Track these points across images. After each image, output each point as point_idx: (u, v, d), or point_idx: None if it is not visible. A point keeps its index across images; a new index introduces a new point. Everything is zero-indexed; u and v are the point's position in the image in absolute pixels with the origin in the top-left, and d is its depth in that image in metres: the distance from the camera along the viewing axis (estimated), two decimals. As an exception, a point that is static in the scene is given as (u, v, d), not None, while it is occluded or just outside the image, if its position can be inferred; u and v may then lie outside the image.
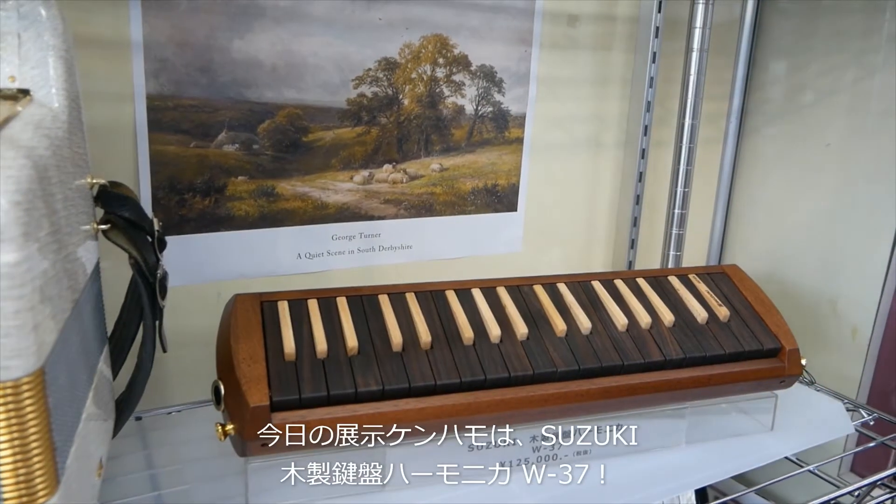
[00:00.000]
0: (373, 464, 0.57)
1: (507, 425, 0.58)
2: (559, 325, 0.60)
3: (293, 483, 0.56)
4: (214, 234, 0.71)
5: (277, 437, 0.51)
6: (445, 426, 0.56)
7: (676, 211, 0.86)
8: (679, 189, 0.84)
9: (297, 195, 0.74)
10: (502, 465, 0.60)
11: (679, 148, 0.84)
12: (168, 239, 0.69)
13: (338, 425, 0.52)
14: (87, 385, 0.44)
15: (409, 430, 0.55)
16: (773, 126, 0.92)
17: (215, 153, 0.69)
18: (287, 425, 0.51)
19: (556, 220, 0.89)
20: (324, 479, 0.56)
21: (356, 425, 0.53)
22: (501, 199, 0.85)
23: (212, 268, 0.72)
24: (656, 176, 0.91)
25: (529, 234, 0.86)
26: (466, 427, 0.57)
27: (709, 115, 0.92)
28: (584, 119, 0.87)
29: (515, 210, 0.86)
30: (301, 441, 0.52)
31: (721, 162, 0.94)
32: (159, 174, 0.67)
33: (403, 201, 0.80)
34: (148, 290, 0.52)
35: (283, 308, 0.58)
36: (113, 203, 0.50)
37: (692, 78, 0.83)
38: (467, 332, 0.58)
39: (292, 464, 0.55)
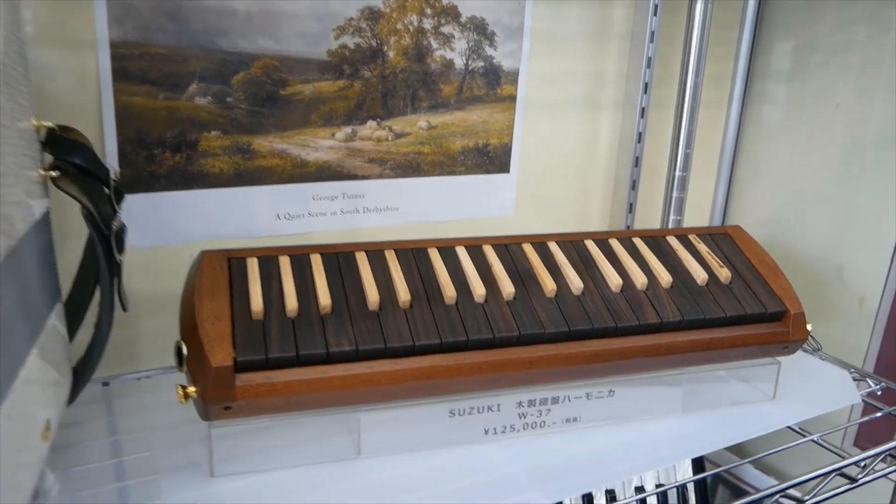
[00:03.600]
0: (347, 429, 0.53)
1: (491, 390, 0.55)
2: (548, 285, 0.57)
3: (261, 450, 0.52)
4: (187, 192, 0.68)
5: (242, 399, 0.48)
6: (424, 390, 0.52)
7: (677, 173, 0.82)
8: (680, 150, 0.80)
9: (274, 152, 0.70)
10: (486, 432, 0.56)
11: (681, 107, 0.80)
12: (137, 197, 0.66)
13: (307, 388, 0.49)
14: (29, 341, 0.41)
15: (385, 393, 0.51)
16: (780, 86, 0.88)
17: (186, 106, 0.65)
18: (252, 388, 0.48)
19: (551, 182, 0.85)
20: (294, 445, 0.53)
21: (328, 388, 0.49)
22: (493, 159, 0.81)
23: (185, 228, 0.68)
24: (656, 138, 0.87)
25: (522, 196, 0.83)
26: (447, 391, 0.53)
27: (713, 78, 0.87)
28: (581, 76, 0.83)
29: (508, 171, 0.82)
30: (267, 405, 0.49)
31: (725, 124, 0.89)
32: (126, 127, 0.64)
33: (389, 160, 0.76)
34: (103, 243, 0.48)
35: (253, 265, 0.54)
36: (62, 149, 0.46)
37: (696, 32, 0.78)
38: (449, 291, 0.54)
39: (259, 430, 0.52)
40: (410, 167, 0.77)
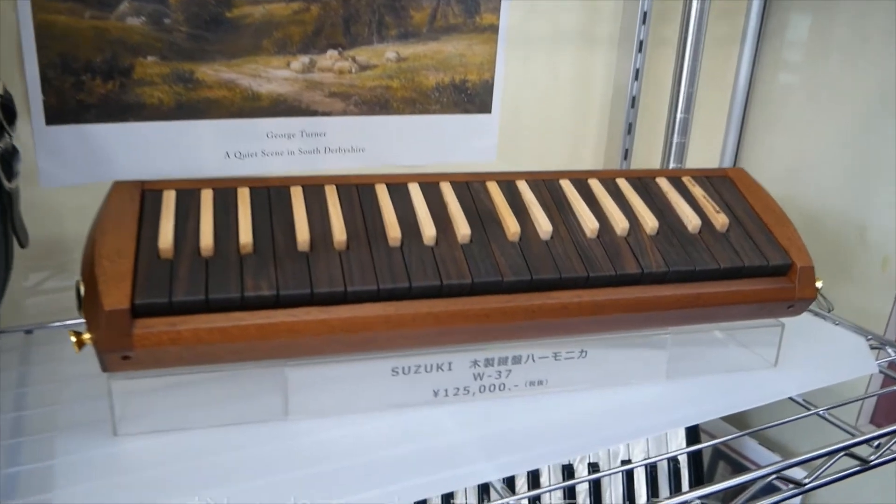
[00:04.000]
0: (273, 388, 0.46)
1: (440, 346, 0.48)
2: (511, 228, 0.49)
3: (174, 408, 0.46)
4: (122, 124, 0.61)
5: (141, 349, 0.41)
6: (360, 344, 0.45)
7: (679, 115, 0.73)
8: (682, 88, 0.72)
9: (221, 82, 0.63)
10: (436, 394, 0.49)
11: (684, 38, 0.72)
12: (65, 128, 0.59)
13: (218, 337, 0.42)
14: None
15: (313, 347, 0.44)
16: (802, 19, 0.79)
17: (116, 27, 0.58)
18: (152, 335, 0.41)
19: (537, 125, 0.77)
20: (212, 404, 0.46)
21: (243, 338, 0.42)
22: (472, 97, 0.73)
23: (121, 165, 0.62)
24: (656, 79, 0.78)
25: (505, 140, 0.74)
26: (387, 346, 0.46)
27: (725, 11, 0.79)
28: (573, 6, 0.74)
29: (489, 112, 0.74)
30: (172, 356, 0.42)
31: (738, 63, 0.80)
32: (48, 50, 0.56)
33: (353, 95, 0.68)
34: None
35: (169, 198, 0.47)
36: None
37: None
38: (394, 232, 0.47)
39: (173, 386, 0.45)
40: (378, 104, 0.69)
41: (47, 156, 0.59)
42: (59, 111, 0.58)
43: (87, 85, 0.58)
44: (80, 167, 0.60)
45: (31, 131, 0.58)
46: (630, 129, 0.75)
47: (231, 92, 0.63)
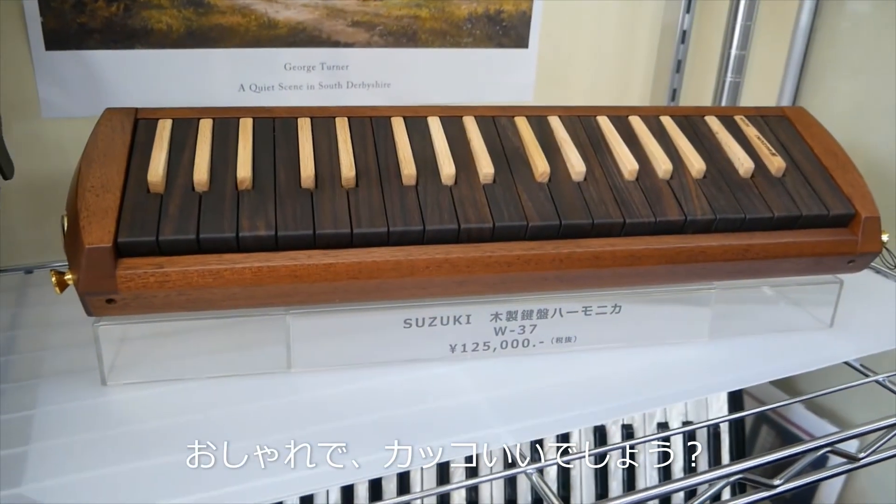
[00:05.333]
0: (276, 338, 0.43)
1: (457, 296, 0.43)
2: (540, 167, 0.44)
3: (169, 357, 0.42)
4: (128, 51, 0.57)
5: (125, 291, 0.37)
6: (367, 292, 0.41)
7: (734, 52, 0.67)
8: (739, 21, 0.65)
9: (235, 7, 0.58)
10: (452, 349, 0.45)
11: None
12: (66, 54, 0.56)
13: (210, 281, 0.38)
14: None
15: (316, 294, 0.40)
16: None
17: (120, -58, 0.54)
18: (138, 277, 0.37)
19: (579, 61, 0.71)
20: (210, 354, 0.43)
21: (238, 283, 0.38)
22: (507, 30, 0.67)
23: (126, 94, 0.58)
24: (710, 11, 0.71)
25: (543, 78, 0.69)
26: (399, 295, 0.42)
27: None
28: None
29: (526, 47, 0.68)
30: (160, 300, 0.38)
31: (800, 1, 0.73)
32: (46, -34, 0.53)
33: (378, 25, 0.63)
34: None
35: (164, 127, 0.43)
36: None
37: None
38: (408, 169, 0.42)
39: (169, 334, 0.42)
40: (405, 35, 0.64)
41: (48, 84, 0.55)
42: (60, 35, 0.55)
43: (89, 6, 0.55)
44: (84, 97, 0.57)
45: (30, 56, 0.54)
46: (679, 66, 0.69)
47: (245, 18, 0.59)
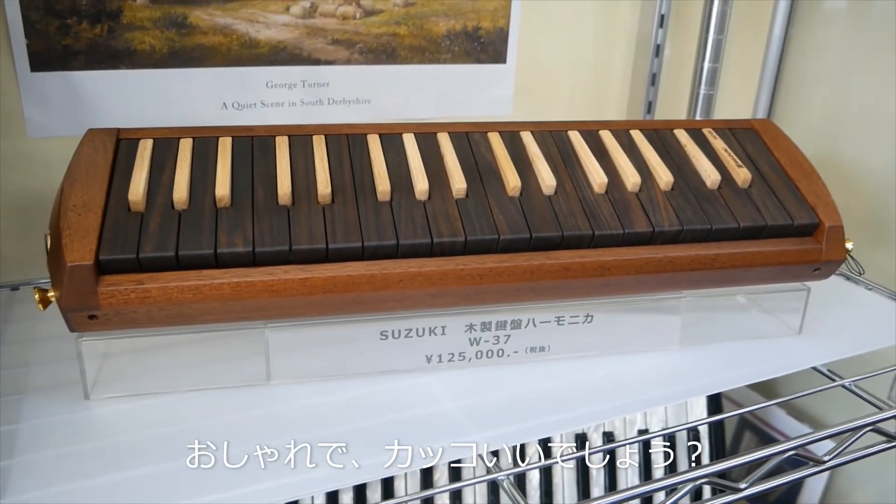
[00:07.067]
0: (255, 350, 0.44)
1: (432, 308, 0.44)
2: (511, 182, 0.45)
3: (150, 371, 0.43)
4: (112, 71, 0.58)
5: (107, 308, 0.38)
6: (344, 305, 0.42)
7: (706, 65, 0.68)
8: (711, 35, 0.67)
9: (216, 28, 0.60)
10: (428, 359, 0.46)
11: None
12: (51, 75, 0.57)
13: (189, 297, 0.39)
14: None
15: (293, 307, 0.41)
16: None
17: (103, -35, 0.55)
18: (119, 293, 0.38)
19: (556, 75, 0.72)
20: (190, 367, 0.44)
21: (216, 298, 0.40)
22: (486, 46, 0.69)
23: (109, 115, 0.59)
24: (683, 25, 0.73)
25: (522, 92, 0.70)
26: (374, 308, 0.43)
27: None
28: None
29: (504, 62, 0.70)
30: (142, 316, 0.39)
31: (774, 7, 0.74)
32: (30, -10, 0.54)
33: (358, 43, 0.64)
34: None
35: (145, 147, 0.44)
36: None
37: None
38: (383, 185, 0.44)
39: (150, 348, 0.43)
40: (384, 52, 0.65)
41: (33, 104, 0.57)
42: (45, 57, 0.56)
43: (74, 29, 0.56)
44: (69, 117, 0.58)
45: (15, 77, 0.55)
46: (654, 79, 0.70)
47: (227, 38, 0.60)
